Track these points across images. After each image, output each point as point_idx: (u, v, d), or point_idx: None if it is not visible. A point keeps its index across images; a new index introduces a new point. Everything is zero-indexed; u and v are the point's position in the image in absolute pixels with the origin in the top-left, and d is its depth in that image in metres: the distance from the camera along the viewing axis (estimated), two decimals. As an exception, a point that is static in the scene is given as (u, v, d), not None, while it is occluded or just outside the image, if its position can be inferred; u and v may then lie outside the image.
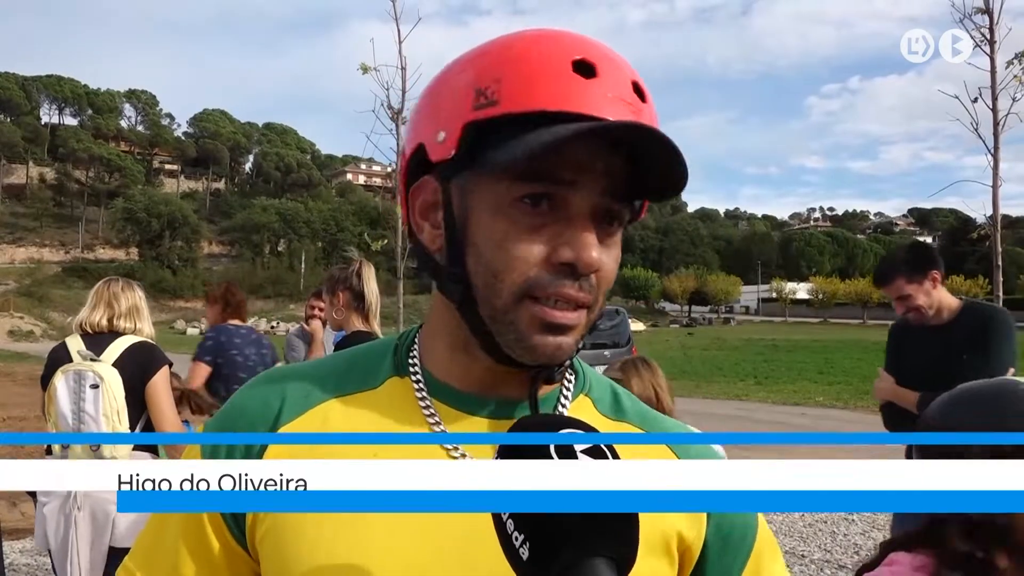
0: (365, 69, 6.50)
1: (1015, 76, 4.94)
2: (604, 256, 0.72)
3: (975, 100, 4.95)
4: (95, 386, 3.14)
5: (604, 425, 0.82)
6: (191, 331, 64.62)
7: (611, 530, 0.55)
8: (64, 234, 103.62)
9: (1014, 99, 4.89)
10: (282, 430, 0.77)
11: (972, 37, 5.00)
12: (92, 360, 3.20)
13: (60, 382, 3.17)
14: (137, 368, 3.24)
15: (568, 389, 0.82)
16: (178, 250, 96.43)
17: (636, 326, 39.89)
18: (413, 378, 0.80)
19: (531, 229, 0.70)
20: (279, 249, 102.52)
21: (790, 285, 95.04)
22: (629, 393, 0.89)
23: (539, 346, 0.72)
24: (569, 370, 0.84)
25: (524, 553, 0.55)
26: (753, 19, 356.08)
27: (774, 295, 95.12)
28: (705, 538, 0.79)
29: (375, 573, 0.71)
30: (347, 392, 0.80)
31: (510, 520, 0.57)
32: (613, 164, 0.70)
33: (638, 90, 0.72)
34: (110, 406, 3.13)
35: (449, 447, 0.76)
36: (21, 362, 28.34)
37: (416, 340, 0.83)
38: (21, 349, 37.95)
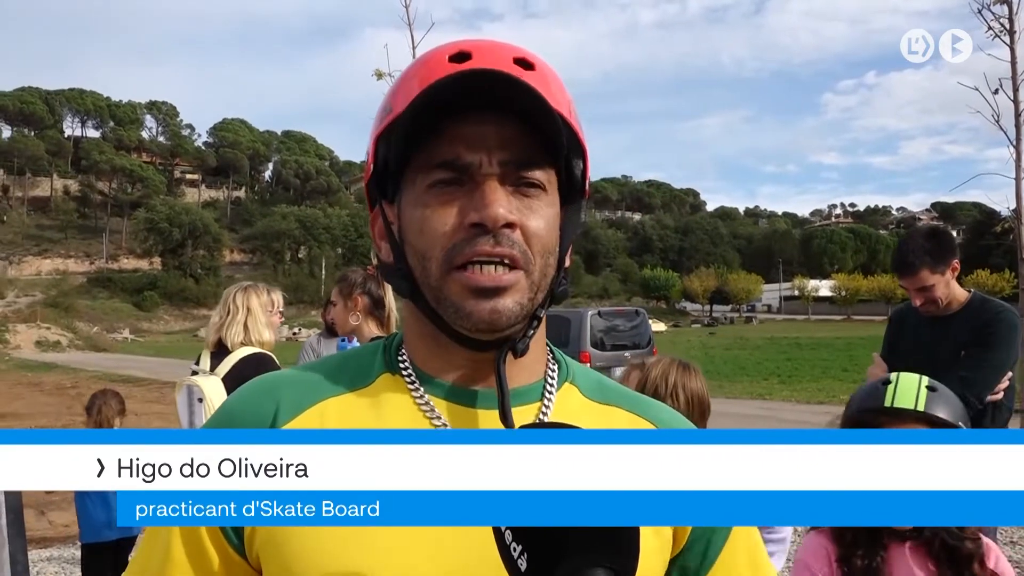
0: (380, 75, 6.52)
1: (1036, 66, 4.86)
2: (525, 215, 0.74)
3: (996, 92, 4.87)
4: (200, 400, 3.22)
5: (593, 409, 0.84)
6: (214, 339, 65.20)
7: (612, 540, 0.53)
8: (88, 245, 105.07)
9: (1035, 90, 4.81)
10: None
11: (992, 28, 4.93)
12: (196, 374, 3.34)
13: (178, 396, 3.34)
14: (243, 381, 3.29)
15: (552, 380, 0.84)
16: (200, 259, 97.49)
17: (657, 327, 39.71)
18: (404, 373, 0.81)
19: (443, 205, 0.74)
20: (299, 256, 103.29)
21: (812, 283, 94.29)
22: (610, 379, 0.91)
23: (474, 312, 0.73)
24: (551, 361, 0.86)
25: (522, 564, 0.55)
26: (766, 17, 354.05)
27: (796, 293, 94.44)
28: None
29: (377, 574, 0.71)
30: (341, 391, 0.80)
31: (508, 530, 0.56)
32: (504, 134, 0.73)
33: (522, 62, 0.75)
34: None
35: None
36: (48, 372, 28.73)
37: (404, 339, 0.86)
38: (48, 359, 38.48)
